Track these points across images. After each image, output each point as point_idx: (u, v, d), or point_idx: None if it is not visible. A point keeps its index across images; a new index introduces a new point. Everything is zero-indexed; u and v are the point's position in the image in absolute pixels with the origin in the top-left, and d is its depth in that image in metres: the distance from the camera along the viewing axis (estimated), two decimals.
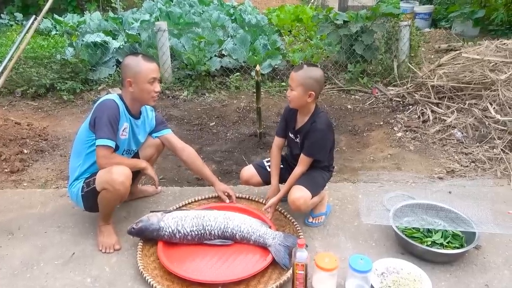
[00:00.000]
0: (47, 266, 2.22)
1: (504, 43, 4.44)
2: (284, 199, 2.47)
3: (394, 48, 5.19)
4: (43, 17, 4.27)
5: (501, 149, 3.38)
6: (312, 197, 2.33)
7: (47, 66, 5.10)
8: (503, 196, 2.84)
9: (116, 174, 2.16)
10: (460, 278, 2.11)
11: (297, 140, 2.46)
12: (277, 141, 2.57)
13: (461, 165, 3.29)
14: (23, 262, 2.24)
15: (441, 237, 2.29)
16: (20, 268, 2.20)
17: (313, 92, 2.28)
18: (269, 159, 2.61)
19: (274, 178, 2.52)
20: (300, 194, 2.29)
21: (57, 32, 7.07)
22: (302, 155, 2.38)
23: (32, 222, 2.58)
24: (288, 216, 2.49)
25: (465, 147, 3.55)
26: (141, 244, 2.27)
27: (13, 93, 4.90)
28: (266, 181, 2.57)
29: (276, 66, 5.38)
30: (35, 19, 4.08)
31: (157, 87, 2.33)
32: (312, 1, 11.27)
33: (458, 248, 2.22)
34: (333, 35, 5.32)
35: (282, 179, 2.53)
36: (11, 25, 8.04)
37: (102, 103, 2.28)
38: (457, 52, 4.58)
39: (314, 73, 2.27)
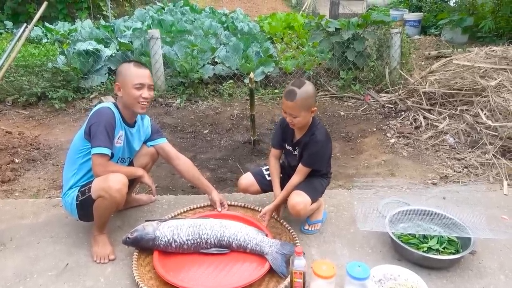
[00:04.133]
0: (40, 277, 2.18)
1: (493, 50, 4.52)
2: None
3: (386, 55, 5.25)
4: (34, 25, 4.23)
5: (493, 155, 3.42)
6: (312, 202, 2.33)
7: (38, 75, 5.05)
8: (496, 201, 2.86)
9: (112, 181, 2.14)
10: (456, 284, 2.12)
11: (296, 152, 2.45)
12: (274, 152, 2.57)
13: (454, 171, 3.32)
14: (16, 273, 2.20)
15: (437, 243, 2.30)
16: (13, 280, 2.16)
17: (315, 108, 2.29)
18: (267, 167, 2.59)
19: (277, 188, 2.48)
20: (300, 199, 2.29)
21: (48, 40, 7.02)
22: (300, 165, 2.38)
23: (24, 232, 2.54)
24: (284, 224, 2.48)
25: (457, 153, 3.59)
26: (137, 253, 2.24)
27: (4, 102, 4.85)
28: (265, 189, 2.57)
29: (269, 74, 5.40)
30: (26, 27, 4.05)
31: (145, 93, 2.29)
32: (303, 8, 11.38)
33: (453, 253, 2.24)
34: (325, 42, 5.36)
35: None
36: (1, 33, 7.97)
37: (98, 111, 2.26)
38: (448, 59, 4.64)
39: (308, 90, 2.23)
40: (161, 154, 2.65)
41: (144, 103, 2.32)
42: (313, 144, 2.33)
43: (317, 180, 2.45)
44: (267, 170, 2.59)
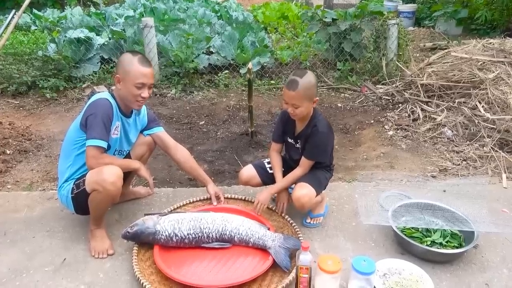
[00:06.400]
0: (37, 273, 2.11)
1: (491, 42, 4.50)
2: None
3: (382, 47, 5.20)
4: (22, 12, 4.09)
5: (491, 147, 3.42)
6: (316, 195, 2.30)
7: (28, 63, 4.91)
8: (496, 194, 2.86)
9: (106, 174, 2.08)
10: (460, 277, 2.11)
11: (298, 145, 2.41)
12: (275, 146, 2.53)
13: (453, 164, 3.31)
14: (11, 269, 2.13)
15: (440, 237, 2.29)
16: (9, 276, 2.09)
17: (317, 98, 2.25)
18: (269, 160, 2.55)
19: (279, 180, 2.44)
20: (305, 192, 2.25)
21: (37, 28, 6.83)
22: (303, 158, 2.35)
23: (18, 226, 2.46)
24: (286, 218, 2.44)
25: (456, 146, 3.58)
26: (136, 248, 2.18)
27: None
28: (267, 182, 2.52)
29: (265, 64, 5.32)
30: (15, 13, 3.92)
31: (145, 93, 2.23)
32: None
33: (456, 247, 2.22)
34: (322, 33, 5.30)
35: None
36: None
37: (96, 102, 2.19)
38: (446, 51, 4.62)
39: (310, 80, 2.20)
40: (158, 144, 2.58)
41: (142, 101, 2.27)
42: (315, 136, 2.29)
43: (321, 173, 2.41)
44: (268, 163, 2.55)
